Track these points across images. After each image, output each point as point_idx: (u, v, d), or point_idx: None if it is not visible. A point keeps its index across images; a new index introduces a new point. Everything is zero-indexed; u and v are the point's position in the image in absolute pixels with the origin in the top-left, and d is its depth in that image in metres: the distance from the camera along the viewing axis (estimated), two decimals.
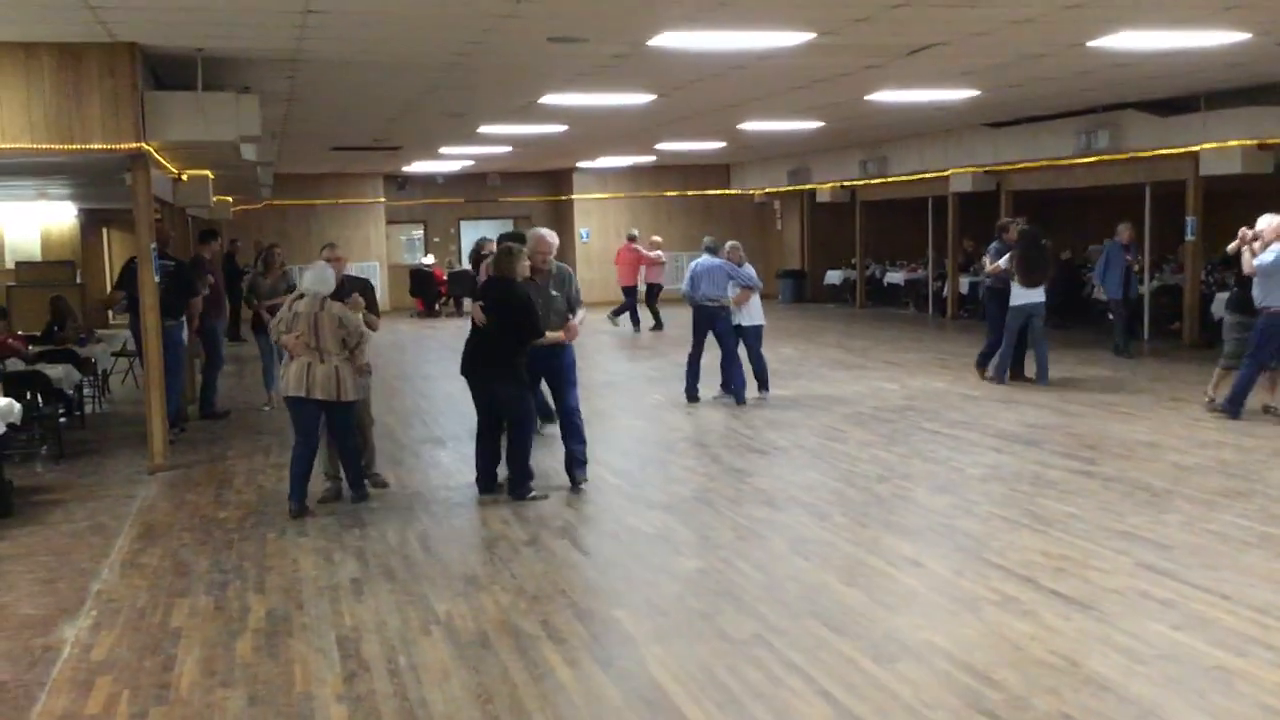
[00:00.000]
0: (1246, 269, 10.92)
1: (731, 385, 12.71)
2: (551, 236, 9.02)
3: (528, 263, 8.59)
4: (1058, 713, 4.72)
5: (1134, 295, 16.74)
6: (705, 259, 12.63)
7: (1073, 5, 8.81)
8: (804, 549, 7.20)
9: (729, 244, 12.88)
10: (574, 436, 8.91)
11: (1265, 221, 10.88)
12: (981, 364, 14.02)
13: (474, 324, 8.54)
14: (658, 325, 21.42)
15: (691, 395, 12.81)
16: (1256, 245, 10.88)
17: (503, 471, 8.73)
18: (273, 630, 5.98)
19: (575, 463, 8.90)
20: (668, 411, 12.48)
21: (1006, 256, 13.44)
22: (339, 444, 8.61)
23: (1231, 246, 11.29)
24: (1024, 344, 13.54)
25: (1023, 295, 13.21)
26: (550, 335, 8.59)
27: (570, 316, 8.88)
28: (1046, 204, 22.27)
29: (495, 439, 8.68)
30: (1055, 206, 22.75)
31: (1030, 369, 13.57)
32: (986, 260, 14.26)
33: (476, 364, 8.53)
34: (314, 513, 8.36)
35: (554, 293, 8.84)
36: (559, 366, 8.93)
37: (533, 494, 8.55)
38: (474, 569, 6.97)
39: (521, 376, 8.53)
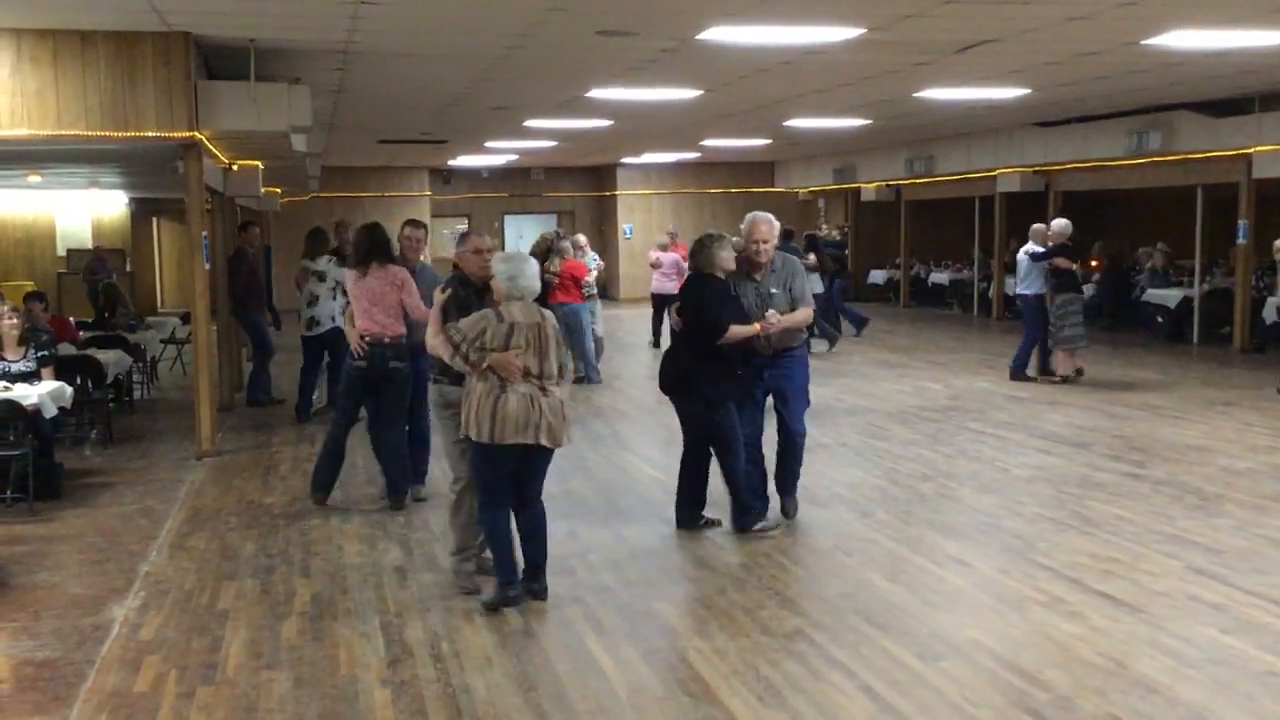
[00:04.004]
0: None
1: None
2: (767, 223, 7.33)
3: (730, 253, 7.23)
4: (1105, 714, 4.67)
5: None
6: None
7: (1126, 3, 8.72)
8: (847, 546, 7.16)
9: None
10: (792, 457, 7.68)
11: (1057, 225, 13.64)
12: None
13: (673, 332, 7.46)
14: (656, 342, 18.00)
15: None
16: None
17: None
18: (317, 614, 6.03)
19: (785, 490, 7.76)
20: None
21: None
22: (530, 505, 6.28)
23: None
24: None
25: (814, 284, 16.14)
26: (737, 330, 7.08)
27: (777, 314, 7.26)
28: (1096, 205, 22.02)
29: (698, 465, 7.52)
30: (1105, 207, 22.51)
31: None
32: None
33: (670, 378, 7.42)
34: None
35: (773, 290, 7.33)
36: (788, 385, 7.50)
37: (762, 524, 7.39)
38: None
39: (716, 392, 7.21)
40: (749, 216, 7.42)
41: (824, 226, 20.32)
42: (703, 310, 7.12)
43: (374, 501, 8.41)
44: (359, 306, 7.94)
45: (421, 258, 8.89)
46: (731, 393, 7.28)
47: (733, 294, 7.24)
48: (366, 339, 7.88)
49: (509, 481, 6.05)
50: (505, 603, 5.97)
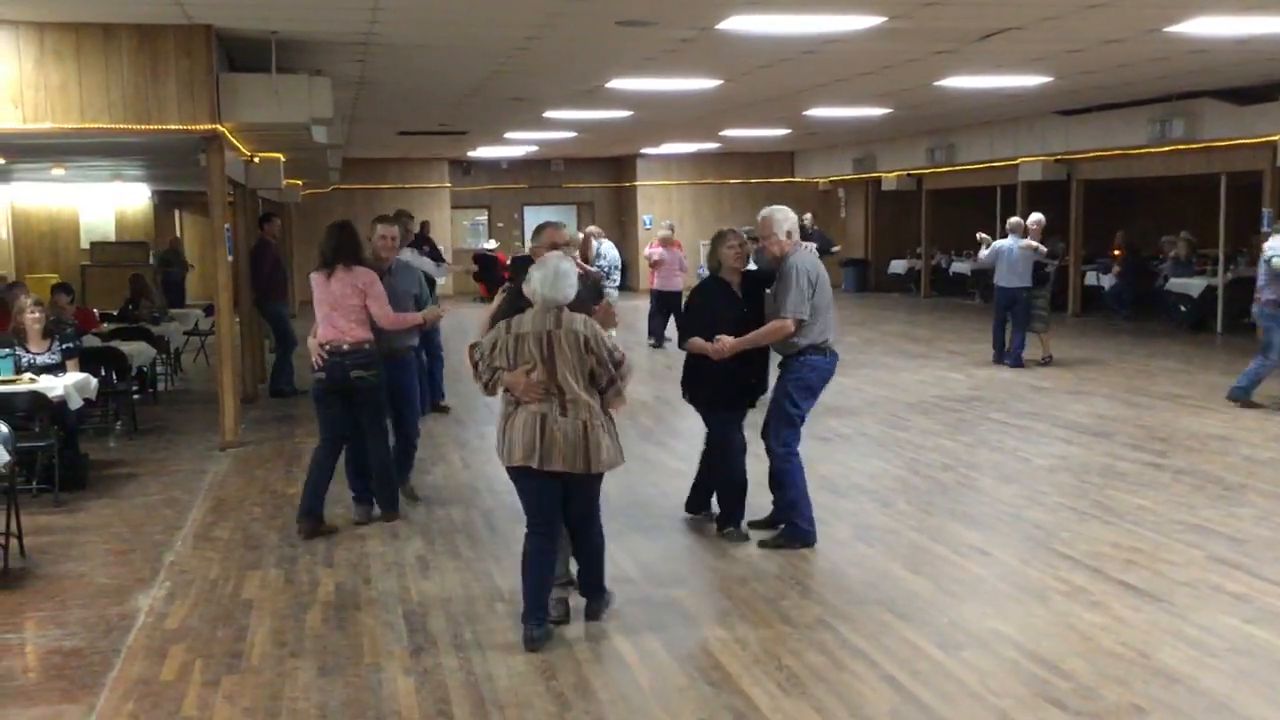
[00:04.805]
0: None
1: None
2: (766, 220, 6.79)
3: (730, 250, 6.83)
4: (1127, 704, 4.66)
5: None
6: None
7: None
8: (868, 536, 7.16)
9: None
10: (774, 477, 7.00)
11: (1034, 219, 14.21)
12: None
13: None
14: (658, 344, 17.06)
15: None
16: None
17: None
18: (341, 604, 6.07)
19: (776, 513, 7.15)
20: None
21: None
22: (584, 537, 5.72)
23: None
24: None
25: None
26: (695, 343, 6.79)
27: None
28: (1119, 193, 21.89)
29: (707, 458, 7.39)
30: (1127, 196, 22.37)
31: None
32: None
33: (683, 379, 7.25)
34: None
35: (768, 291, 6.86)
36: (775, 390, 6.97)
37: (728, 530, 7.07)
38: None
39: (709, 395, 6.99)
40: (760, 214, 6.98)
41: (807, 217, 20.09)
42: (685, 314, 7.08)
43: None
44: (320, 312, 7.32)
45: (403, 255, 8.27)
46: (723, 399, 6.97)
47: (720, 297, 6.85)
48: (326, 347, 7.29)
49: (548, 511, 5.43)
50: (525, 641, 5.33)
